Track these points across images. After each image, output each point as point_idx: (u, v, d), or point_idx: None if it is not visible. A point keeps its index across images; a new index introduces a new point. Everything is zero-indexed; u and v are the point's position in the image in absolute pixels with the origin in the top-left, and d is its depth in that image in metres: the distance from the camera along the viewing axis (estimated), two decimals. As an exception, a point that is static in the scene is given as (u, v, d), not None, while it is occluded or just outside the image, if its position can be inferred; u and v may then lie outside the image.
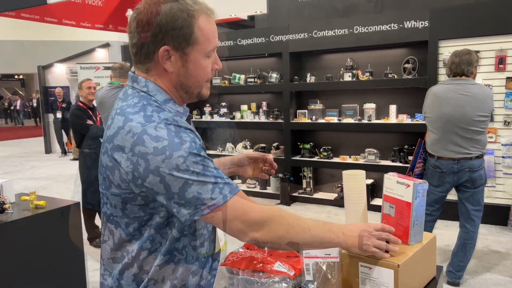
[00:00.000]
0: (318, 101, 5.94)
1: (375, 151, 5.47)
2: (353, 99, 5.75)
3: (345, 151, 5.84)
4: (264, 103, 6.33)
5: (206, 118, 6.68)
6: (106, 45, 12.20)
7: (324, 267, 1.35)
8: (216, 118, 6.60)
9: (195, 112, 6.79)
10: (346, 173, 1.43)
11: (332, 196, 5.85)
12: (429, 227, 3.37)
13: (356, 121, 5.53)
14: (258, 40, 6.04)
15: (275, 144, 6.18)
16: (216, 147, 6.69)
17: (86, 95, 4.39)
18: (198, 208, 1.01)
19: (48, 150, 11.58)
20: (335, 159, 5.77)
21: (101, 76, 6.79)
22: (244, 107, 6.47)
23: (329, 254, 1.35)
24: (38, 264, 2.63)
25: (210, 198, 1.00)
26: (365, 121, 5.52)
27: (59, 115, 9.62)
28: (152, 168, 0.97)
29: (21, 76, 28.17)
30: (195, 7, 1.06)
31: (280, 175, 5.92)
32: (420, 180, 1.36)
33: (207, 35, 1.07)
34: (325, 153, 5.80)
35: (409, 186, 1.36)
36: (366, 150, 5.53)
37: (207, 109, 6.71)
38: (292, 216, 1.10)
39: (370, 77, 5.42)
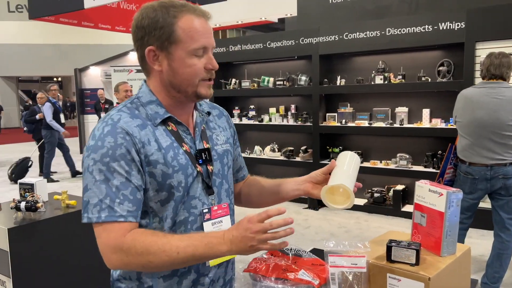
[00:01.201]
0: (348, 104, 5.84)
1: (407, 156, 5.32)
2: (385, 102, 5.61)
3: (376, 155, 5.71)
4: (292, 106, 6.28)
5: (235, 120, 6.69)
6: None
7: (350, 277, 1.31)
8: (245, 120, 6.60)
9: (224, 114, 6.81)
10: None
11: (361, 201, 5.72)
12: (461, 235, 3.24)
13: (388, 125, 5.40)
14: (288, 43, 6.01)
15: (303, 148, 6.11)
16: (244, 149, 6.69)
17: (123, 97, 4.50)
18: (84, 214, 1.06)
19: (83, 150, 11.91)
20: (365, 164, 5.64)
21: (134, 79, 6.94)
22: (272, 110, 6.45)
23: (356, 264, 1.30)
24: (68, 261, 2.69)
25: (91, 211, 1.05)
26: (396, 125, 5.38)
27: (103, 115, 9.83)
28: (82, 161, 1.10)
29: (59, 79, 29.20)
30: (178, 8, 1.11)
31: (309, 179, 5.84)
32: (454, 189, 1.29)
33: (190, 34, 1.10)
34: (354, 158, 5.68)
35: (442, 195, 1.29)
36: (398, 155, 5.39)
37: (236, 111, 6.73)
38: (157, 243, 1.02)
39: (403, 80, 5.28)
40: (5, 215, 2.58)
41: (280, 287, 1.33)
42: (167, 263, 1.02)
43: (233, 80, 6.65)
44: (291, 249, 1.54)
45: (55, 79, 29.21)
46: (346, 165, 1.30)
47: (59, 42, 18.64)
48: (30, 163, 7.70)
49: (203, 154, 1.20)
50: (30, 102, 20.85)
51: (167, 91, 1.16)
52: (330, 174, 1.31)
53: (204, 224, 1.19)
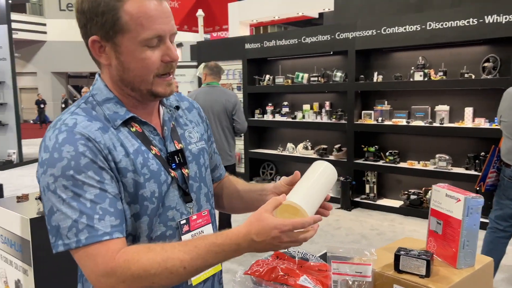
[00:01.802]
0: (386, 101, 5.61)
1: (447, 157, 5.04)
2: (424, 100, 5.34)
3: (413, 156, 5.45)
4: (327, 103, 6.12)
5: (268, 117, 6.62)
6: (179, 45, 12.65)
7: (354, 286, 1.20)
8: (278, 117, 6.51)
9: (257, 111, 6.75)
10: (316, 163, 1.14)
11: (397, 203, 5.49)
12: (502, 244, 3.01)
13: (427, 124, 5.13)
14: (323, 38, 5.85)
15: (337, 146, 5.95)
16: (277, 147, 6.60)
17: None
18: (57, 241, 0.88)
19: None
20: (402, 164, 5.40)
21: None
22: (306, 106, 6.31)
23: (361, 272, 1.20)
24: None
25: (66, 235, 0.87)
26: (436, 124, 5.10)
27: None
28: (38, 179, 0.92)
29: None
30: None
31: (342, 178, 5.68)
32: (474, 194, 1.15)
33: (139, 20, 0.91)
34: (391, 157, 5.46)
35: (459, 200, 1.16)
36: (437, 155, 5.11)
37: (269, 108, 6.64)
38: (156, 261, 0.86)
39: (444, 77, 5.00)
40: (29, 206, 2.65)
41: (277, 292, 1.25)
42: (174, 279, 0.88)
43: (267, 76, 6.57)
44: (298, 252, 1.46)
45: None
46: (314, 180, 1.04)
47: (105, 39, 19.37)
48: None
49: (175, 157, 1.04)
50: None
51: (121, 89, 1.00)
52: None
53: (183, 237, 1.03)
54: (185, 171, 1.06)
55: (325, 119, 6.06)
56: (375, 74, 5.54)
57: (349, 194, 5.62)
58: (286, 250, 1.29)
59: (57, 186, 0.88)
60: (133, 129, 1.00)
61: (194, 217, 1.07)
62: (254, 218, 0.90)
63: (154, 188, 0.98)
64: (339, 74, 5.81)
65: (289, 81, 6.33)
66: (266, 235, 0.88)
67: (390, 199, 5.69)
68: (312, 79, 6.07)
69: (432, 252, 1.24)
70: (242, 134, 6.85)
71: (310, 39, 5.98)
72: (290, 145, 6.45)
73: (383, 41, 5.32)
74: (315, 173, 1.07)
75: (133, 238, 0.98)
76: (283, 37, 6.26)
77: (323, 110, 6.11)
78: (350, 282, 1.20)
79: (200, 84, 7.45)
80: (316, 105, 6.25)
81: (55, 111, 21.89)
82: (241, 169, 7.00)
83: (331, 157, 5.96)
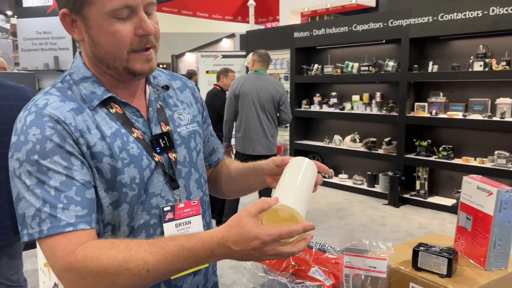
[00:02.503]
0: (441, 93, 5.27)
1: (507, 154, 4.64)
2: (484, 92, 4.95)
3: (469, 151, 5.08)
4: (377, 94, 5.86)
5: (315, 108, 6.46)
6: (232, 36, 12.73)
7: (368, 282, 1.11)
8: (325, 108, 6.33)
9: (304, 101, 6.62)
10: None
11: (449, 201, 5.16)
12: None
13: (486, 118, 4.75)
14: (375, 26, 5.59)
15: (386, 139, 5.68)
16: (323, 139, 6.44)
17: (229, 84, 4.65)
18: (23, 231, 0.83)
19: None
20: (457, 160, 5.06)
21: (219, 64, 7.06)
22: (355, 97, 6.09)
23: (375, 267, 1.10)
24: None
25: (30, 225, 0.81)
26: (496, 118, 4.71)
27: None
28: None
29: (164, 66, 31.35)
30: None
31: (390, 173, 5.44)
32: (509, 188, 1.01)
33: None
34: (444, 153, 5.13)
35: (491, 194, 1.02)
36: (496, 152, 4.73)
37: (317, 98, 6.48)
38: (117, 259, 0.78)
39: (507, 67, 4.59)
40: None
41: (284, 282, 1.18)
42: (137, 281, 0.79)
43: (316, 65, 6.40)
44: (316, 243, 1.38)
45: (160, 66, 31.40)
46: (301, 180, 0.90)
47: (162, 30, 19.96)
48: None
49: (160, 140, 0.96)
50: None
51: (97, 67, 0.93)
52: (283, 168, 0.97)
53: (164, 226, 0.95)
54: (172, 155, 0.99)
55: (375, 110, 5.81)
56: (430, 63, 5.21)
57: (398, 190, 5.36)
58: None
59: (22, 171, 0.83)
60: (113, 111, 0.92)
61: (182, 205, 0.99)
62: (234, 222, 0.79)
63: (135, 174, 0.91)
64: (391, 63, 5.53)
65: (338, 70, 6.13)
66: (245, 244, 0.77)
67: (442, 196, 5.37)
68: (362, 68, 5.83)
69: (459, 251, 1.11)
70: (288, 125, 6.77)
71: (361, 27, 5.74)
72: (337, 137, 6.27)
73: (439, 28, 4.98)
74: (300, 171, 0.92)
75: (112, 227, 0.92)
76: (333, 25, 6.05)
77: (373, 101, 5.86)
78: (363, 277, 1.10)
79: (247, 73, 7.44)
80: (366, 96, 6.01)
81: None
82: (286, 160, 6.92)
83: (380, 151, 5.72)
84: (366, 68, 5.78)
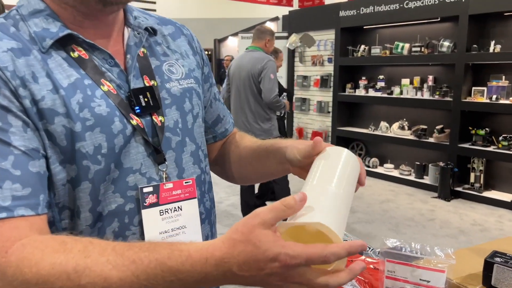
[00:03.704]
0: (503, 77, 4.72)
1: None
2: (556, 75, 4.38)
3: (535, 142, 4.54)
4: (430, 77, 5.37)
5: (360, 92, 6.05)
6: (276, 19, 12.44)
7: (417, 300, 0.82)
8: (372, 92, 5.91)
9: (349, 85, 6.22)
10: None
11: (508, 197, 4.65)
12: None
13: (556, 105, 4.20)
14: (430, 2, 5.08)
15: (438, 127, 5.21)
16: (368, 125, 6.03)
17: (278, 66, 4.41)
18: None
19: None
20: (519, 152, 4.54)
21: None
22: (405, 81, 5.62)
23: (428, 282, 0.81)
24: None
25: None
26: None
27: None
28: None
29: (209, 52, 31.49)
30: None
31: (442, 163, 4.98)
32: None
33: None
34: (505, 143, 4.61)
35: None
36: None
37: (363, 82, 6.06)
38: (66, 270, 0.54)
39: None
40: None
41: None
42: None
43: (362, 46, 5.98)
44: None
45: (207, 52, 31.59)
46: (336, 180, 0.63)
47: (206, 16, 19.99)
48: None
49: (141, 97, 0.73)
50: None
51: None
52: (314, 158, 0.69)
53: (144, 213, 0.72)
54: (157, 118, 0.75)
55: (426, 95, 5.33)
56: (492, 43, 4.66)
57: (449, 183, 4.91)
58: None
59: None
60: (75, 55, 0.70)
61: (169, 185, 0.75)
62: (240, 235, 0.53)
63: (101, 141, 0.68)
64: (446, 43, 5.03)
65: (387, 52, 5.68)
66: (257, 268, 0.52)
67: (499, 191, 4.85)
68: (414, 49, 5.36)
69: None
70: (331, 111, 6.42)
71: (414, 4, 5.25)
72: (383, 124, 5.84)
73: (505, 3, 4.42)
74: (337, 168, 0.65)
75: (71, 213, 0.69)
76: (383, 2, 5.59)
77: (425, 85, 5.38)
78: (411, 293, 0.82)
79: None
80: (417, 79, 5.53)
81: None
82: (328, 147, 6.58)
83: (431, 140, 5.26)
84: (418, 49, 5.31)
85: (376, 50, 5.79)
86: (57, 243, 0.57)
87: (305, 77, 6.86)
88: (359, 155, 6.34)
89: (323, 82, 6.49)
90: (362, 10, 5.81)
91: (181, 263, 0.54)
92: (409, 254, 0.84)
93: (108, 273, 0.54)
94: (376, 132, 5.90)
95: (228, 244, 0.54)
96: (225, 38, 12.76)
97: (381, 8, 5.59)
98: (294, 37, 6.61)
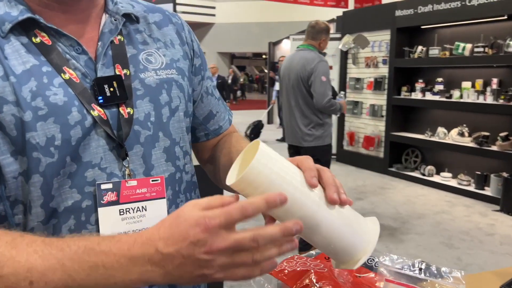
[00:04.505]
0: None
1: None
2: None
3: None
4: (494, 80, 4.95)
5: (416, 95, 5.71)
6: (332, 21, 12.20)
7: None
8: (429, 96, 5.56)
9: (404, 88, 5.91)
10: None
11: None
12: None
13: None
14: (496, -2, 4.69)
15: (503, 134, 4.78)
16: (424, 131, 5.68)
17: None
18: None
19: (270, 121, 12.52)
20: None
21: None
22: (466, 84, 5.23)
23: None
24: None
25: None
26: None
27: (277, 86, 10.00)
28: None
29: (264, 56, 31.53)
30: None
31: (505, 174, 4.56)
32: None
33: None
34: None
35: None
36: None
37: (420, 85, 5.72)
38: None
39: None
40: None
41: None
42: None
43: (419, 47, 5.64)
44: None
45: (263, 56, 31.70)
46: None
47: (262, 20, 20.05)
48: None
49: (106, 86, 0.68)
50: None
51: None
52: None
53: (100, 211, 0.67)
54: (125, 110, 0.69)
55: (489, 99, 4.92)
56: None
57: (514, 195, 4.49)
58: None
59: None
60: (37, 40, 0.66)
61: (133, 183, 0.69)
62: (170, 216, 0.55)
63: (54, 132, 0.63)
64: (514, 43, 4.61)
65: (447, 53, 5.32)
66: (181, 238, 0.51)
67: None
68: (476, 50, 4.96)
69: None
70: (384, 114, 6.13)
71: (477, 1, 4.87)
72: (441, 130, 5.47)
73: None
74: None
75: (24, 208, 0.65)
76: (442, 0, 5.25)
77: (488, 89, 4.97)
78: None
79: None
80: (479, 82, 5.12)
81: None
82: (379, 153, 6.28)
83: (494, 148, 4.84)
84: (481, 49, 4.91)
85: (434, 51, 5.44)
86: None
87: (358, 80, 6.62)
88: (414, 162, 6.00)
89: (377, 84, 6.22)
90: (420, 9, 5.48)
91: (108, 247, 0.53)
92: (411, 274, 0.71)
93: (33, 263, 0.52)
94: (433, 139, 5.54)
95: (157, 225, 0.55)
96: (279, 41, 12.72)
97: (441, 6, 5.25)
98: (347, 38, 6.39)
